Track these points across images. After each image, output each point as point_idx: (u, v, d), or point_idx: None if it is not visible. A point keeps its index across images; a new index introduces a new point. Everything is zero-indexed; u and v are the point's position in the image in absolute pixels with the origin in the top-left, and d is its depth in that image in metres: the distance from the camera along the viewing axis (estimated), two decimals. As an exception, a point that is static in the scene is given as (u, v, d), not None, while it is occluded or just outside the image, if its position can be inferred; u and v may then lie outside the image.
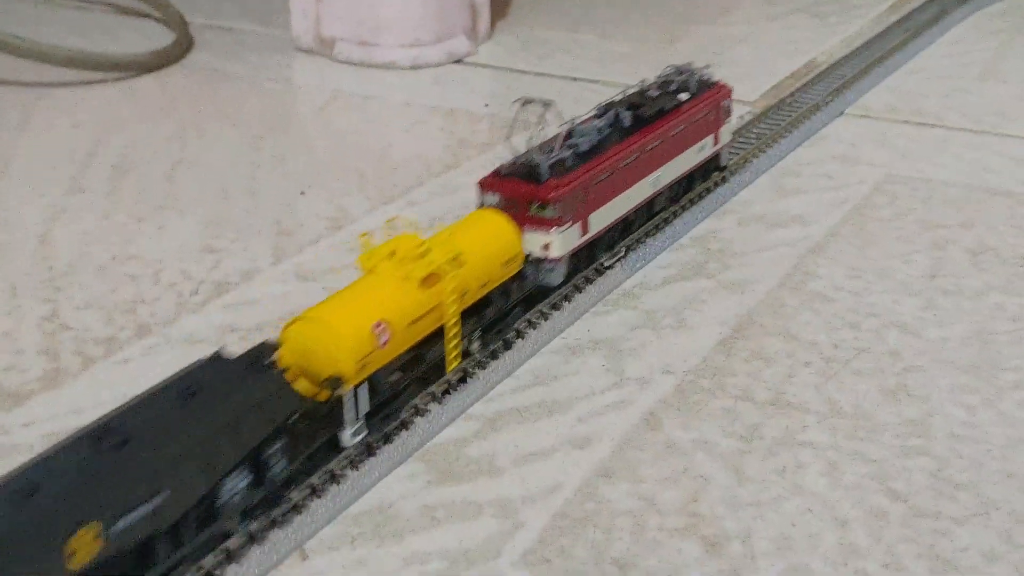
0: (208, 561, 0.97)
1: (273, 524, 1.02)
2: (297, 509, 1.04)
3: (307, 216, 1.69)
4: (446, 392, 1.22)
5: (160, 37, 2.53)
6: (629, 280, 1.49)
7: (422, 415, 1.18)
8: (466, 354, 1.22)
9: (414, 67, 2.36)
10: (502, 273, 1.25)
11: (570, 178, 1.34)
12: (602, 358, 1.32)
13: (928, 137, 1.97)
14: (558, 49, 2.49)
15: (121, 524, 0.82)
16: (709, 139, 1.63)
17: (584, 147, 1.39)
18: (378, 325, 1.06)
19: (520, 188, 1.31)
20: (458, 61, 2.41)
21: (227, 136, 2.02)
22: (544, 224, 1.31)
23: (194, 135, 2.02)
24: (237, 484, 0.94)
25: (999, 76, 2.28)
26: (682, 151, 1.56)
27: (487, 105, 2.16)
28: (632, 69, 2.33)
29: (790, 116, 1.98)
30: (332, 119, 2.11)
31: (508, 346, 1.30)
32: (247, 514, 0.98)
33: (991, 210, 1.67)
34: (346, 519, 1.06)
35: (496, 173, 1.34)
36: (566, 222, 1.33)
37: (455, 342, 1.17)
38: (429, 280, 1.13)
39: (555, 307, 1.38)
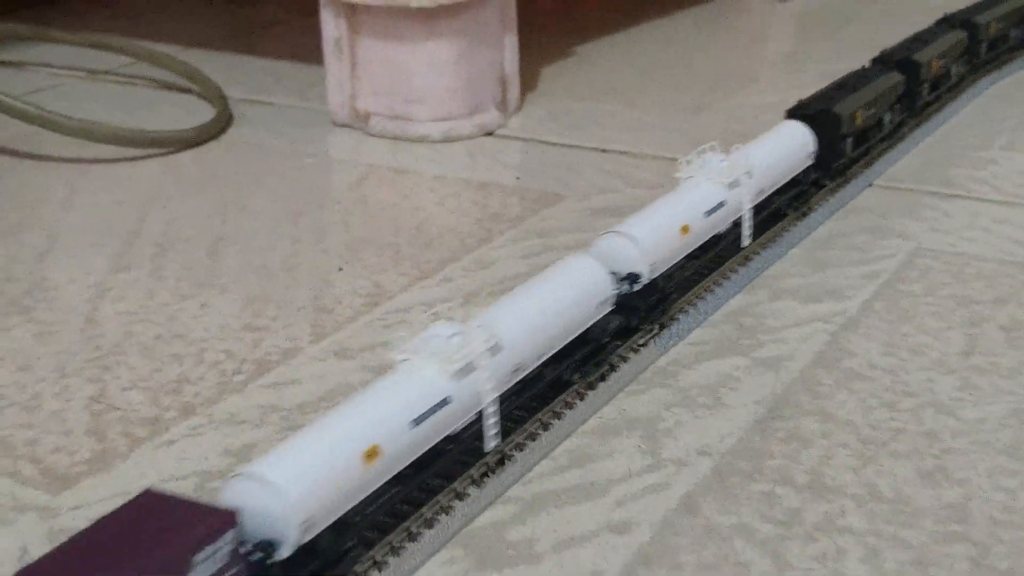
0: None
1: (318, 612, 1.04)
2: (341, 596, 1.06)
3: (344, 293, 1.73)
4: (484, 475, 1.23)
5: (201, 112, 2.60)
6: (663, 358, 1.51)
7: (461, 499, 1.20)
8: None
9: (446, 140, 2.41)
10: None
11: None
12: (638, 439, 1.33)
13: (957, 209, 1.98)
14: (586, 120, 2.53)
15: None
16: None
17: None
18: None
19: None
20: (489, 133, 2.46)
21: (267, 211, 2.06)
22: None
23: (235, 211, 2.07)
24: None
25: (1027, 145, 2.30)
26: None
27: (518, 178, 2.19)
28: (660, 138, 2.37)
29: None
30: (368, 193, 2.15)
31: (546, 427, 1.33)
32: None
33: (1024, 285, 1.68)
34: (389, 606, 1.08)
35: None
36: None
37: None
38: None
39: (591, 387, 1.40)
